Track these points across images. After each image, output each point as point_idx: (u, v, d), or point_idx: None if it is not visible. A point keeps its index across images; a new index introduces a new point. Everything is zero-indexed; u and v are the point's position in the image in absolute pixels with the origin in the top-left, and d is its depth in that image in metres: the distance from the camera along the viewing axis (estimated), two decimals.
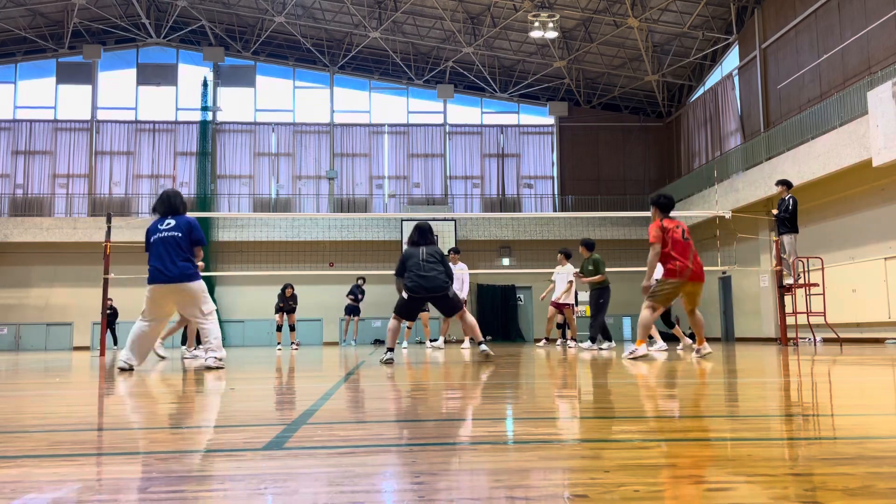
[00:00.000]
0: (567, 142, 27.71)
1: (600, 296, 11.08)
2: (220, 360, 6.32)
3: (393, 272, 7.61)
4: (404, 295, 7.32)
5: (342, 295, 25.22)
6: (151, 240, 6.37)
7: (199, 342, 9.63)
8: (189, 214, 6.57)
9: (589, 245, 11.40)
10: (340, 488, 1.48)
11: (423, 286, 7.19)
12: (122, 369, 6.04)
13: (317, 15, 25.31)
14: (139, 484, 1.55)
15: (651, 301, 7.18)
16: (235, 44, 26.81)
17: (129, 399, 3.83)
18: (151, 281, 6.25)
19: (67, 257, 24.14)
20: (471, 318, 7.55)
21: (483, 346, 7.44)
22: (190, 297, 6.29)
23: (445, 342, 13.81)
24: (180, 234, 6.31)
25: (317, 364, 7.75)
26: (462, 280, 12.46)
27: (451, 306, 7.49)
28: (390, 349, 7.34)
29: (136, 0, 24.33)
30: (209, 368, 6.14)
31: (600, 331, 11.15)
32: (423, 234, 7.51)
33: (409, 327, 13.64)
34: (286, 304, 16.09)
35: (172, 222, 6.40)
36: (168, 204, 6.50)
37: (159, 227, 6.39)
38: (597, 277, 11.04)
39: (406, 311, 7.41)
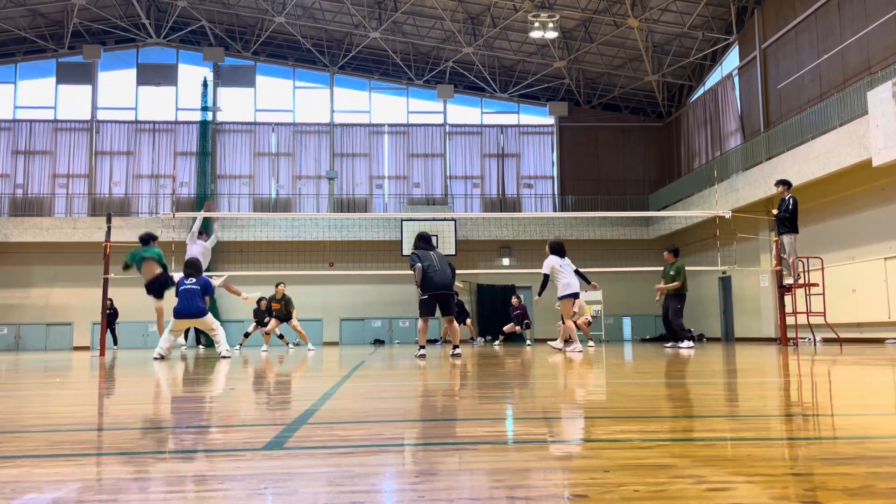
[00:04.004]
0: (567, 142, 27.71)
1: (680, 301, 11.93)
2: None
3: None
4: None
5: (343, 295, 25.31)
6: (180, 288, 9.49)
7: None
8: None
9: (674, 251, 12.29)
10: (340, 488, 1.48)
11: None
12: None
13: (317, 15, 25.31)
14: (139, 484, 1.55)
15: None
16: (235, 44, 26.81)
17: (129, 399, 3.83)
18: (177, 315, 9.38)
19: (67, 257, 24.14)
20: None
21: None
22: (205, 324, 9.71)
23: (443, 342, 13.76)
24: (198, 288, 9.61)
25: (317, 364, 7.76)
26: None
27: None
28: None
29: (136, 0, 24.33)
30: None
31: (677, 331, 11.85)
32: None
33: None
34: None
35: (194, 279, 9.61)
36: (192, 267, 9.74)
37: (185, 281, 9.56)
38: (674, 284, 11.88)
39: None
